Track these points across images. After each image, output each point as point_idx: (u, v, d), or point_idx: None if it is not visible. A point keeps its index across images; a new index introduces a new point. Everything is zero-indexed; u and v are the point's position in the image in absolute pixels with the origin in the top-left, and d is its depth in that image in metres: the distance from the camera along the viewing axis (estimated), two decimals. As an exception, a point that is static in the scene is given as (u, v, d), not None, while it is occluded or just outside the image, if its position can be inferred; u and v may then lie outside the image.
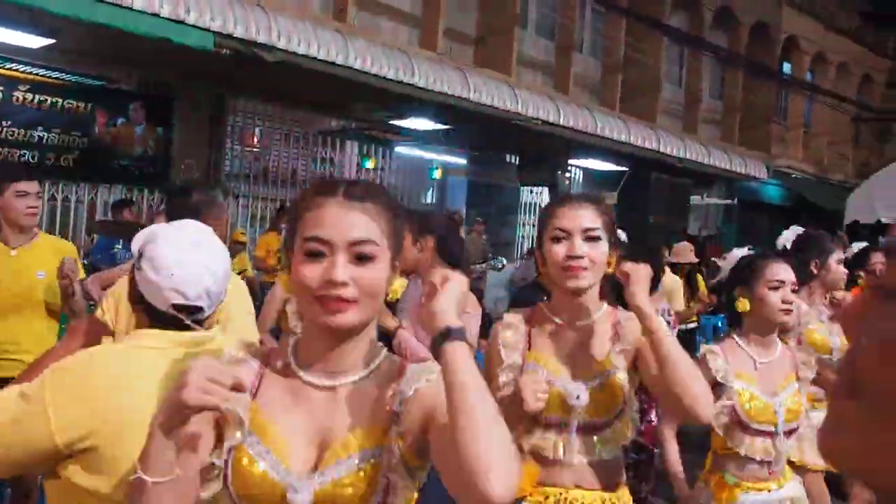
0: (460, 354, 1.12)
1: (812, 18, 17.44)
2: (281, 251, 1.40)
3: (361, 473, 1.20)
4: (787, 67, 17.35)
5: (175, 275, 1.49)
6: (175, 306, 1.51)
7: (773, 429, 2.39)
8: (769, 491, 2.38)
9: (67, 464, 1.42)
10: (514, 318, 2.01)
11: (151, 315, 1.53)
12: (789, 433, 2.42)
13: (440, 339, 1.14)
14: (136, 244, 1.60)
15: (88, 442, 1.40)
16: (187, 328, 1.53)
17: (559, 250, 1.89)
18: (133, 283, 1.57)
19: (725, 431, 2.37)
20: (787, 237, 3.62)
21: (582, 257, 1.87)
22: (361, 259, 1.20)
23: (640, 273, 1.86)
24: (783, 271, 2.47)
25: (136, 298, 1.55)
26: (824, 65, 18.34)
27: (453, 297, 1.19)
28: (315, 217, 1.21)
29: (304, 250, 1.20)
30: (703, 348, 2.49)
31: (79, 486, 1.42)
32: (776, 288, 2.45)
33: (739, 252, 2.68)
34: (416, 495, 1.26)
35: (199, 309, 1.54)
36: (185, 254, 1.52)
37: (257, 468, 1.21)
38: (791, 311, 2.47)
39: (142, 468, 1.13)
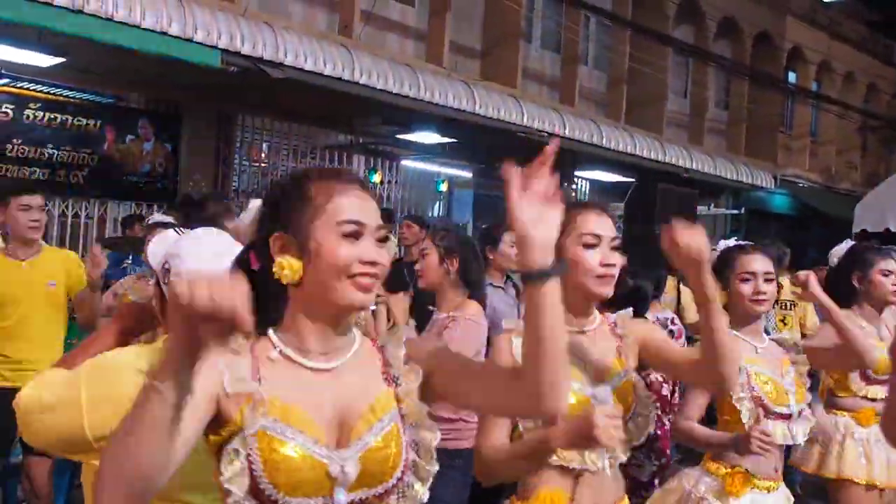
0: (555, 294, 1.23)
1: (817, 28, 17.46)
2: (279, 238, 1.29)
3: (388, 436, 1.29)
4: (792, 77, 17.36)
5: None
6: None
7: (787, 411, 2.40)
8: (769, 491, 2.38)
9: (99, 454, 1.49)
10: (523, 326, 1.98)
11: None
12: (800, 413, 2.44)
13: (541, 275, 1.23)
14: (156, 259, 1.65)
15: None
16: None
17: (593, 257, 1.84)
18: (161, 298, 1.64)
19: (750, 416, 2.36)
20: (838, 251, 3.37)
21: (615, 265, 1.86)
22: (381, 241, 1.31)
23: (696, 239, 1.76)
24: (755, 262, 2.49)
25: (164, 310, 1.61)
26: (830, 74, 18.34)
27: (552, 233, 1.26)
28: (346, 201, 1.28)
29: (342, 232, 1.26)
30: None
31: None
32: (746, 280, 2.47)
33: (725, 244, 2.68)
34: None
35: None
36: (211, 266, 1.55)
37: (294, 451, 1.22)
38: (763, 301, 2.47)
39: (152, 376, 1.05)
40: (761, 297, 2.47)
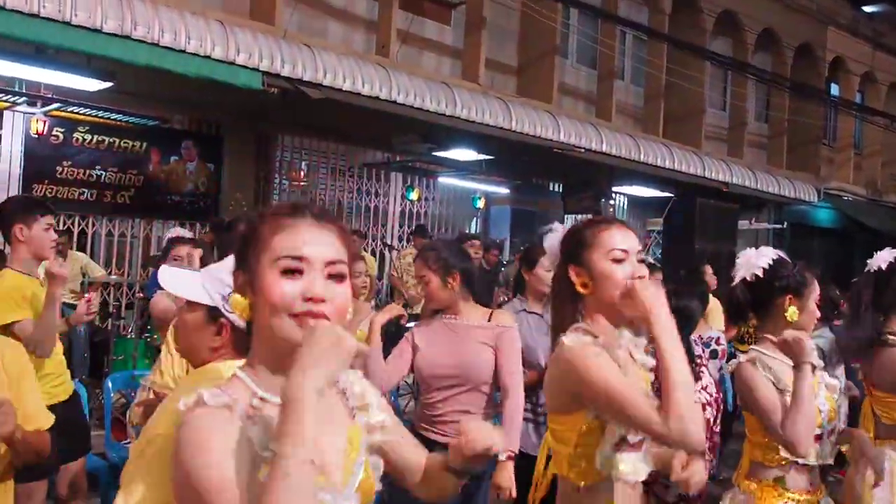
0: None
1: (859, 39, 17.16)
2: (237, 275, 1.31)
3: (367, 466, 1.33)
4: (834, 88, 17.07)
5: None
6: None
7: (819, 431, 2.36)
8: None
9: None
10: (586, 338, 1.88)
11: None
12: (830, 433, 2.40)
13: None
14: (214, 295, 1.71)
15: None
16: None
17: (623, 271, 1.86)
18: (231, 328, 1.72)
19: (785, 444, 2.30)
20: (881, 259, 3.07)
21: (644, 277, 1.87)
22: (335, 278, 1.23)
23: (655, 292, 1.80)
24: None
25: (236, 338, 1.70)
26: (874, 85, 18.00)
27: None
28: (289, 236, 1.23)
29: (280, 268, 1.21)
30: (746, 362, 2.40)
31: None
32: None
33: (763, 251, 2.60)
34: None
35: None
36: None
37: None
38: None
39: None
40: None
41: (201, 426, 1.17)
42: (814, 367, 2.28)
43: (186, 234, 4.50)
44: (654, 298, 1.78)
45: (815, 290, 2.51)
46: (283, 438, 1.06)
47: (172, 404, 1.53)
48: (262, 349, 1.26)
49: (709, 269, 7.05)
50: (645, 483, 1.91)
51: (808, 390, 2.01)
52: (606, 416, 1.80)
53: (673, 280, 4.30)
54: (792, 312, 2.44)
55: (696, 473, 1.85)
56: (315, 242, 1.24)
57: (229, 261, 1.57)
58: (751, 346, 2.50)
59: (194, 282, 1.74)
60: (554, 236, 2.08)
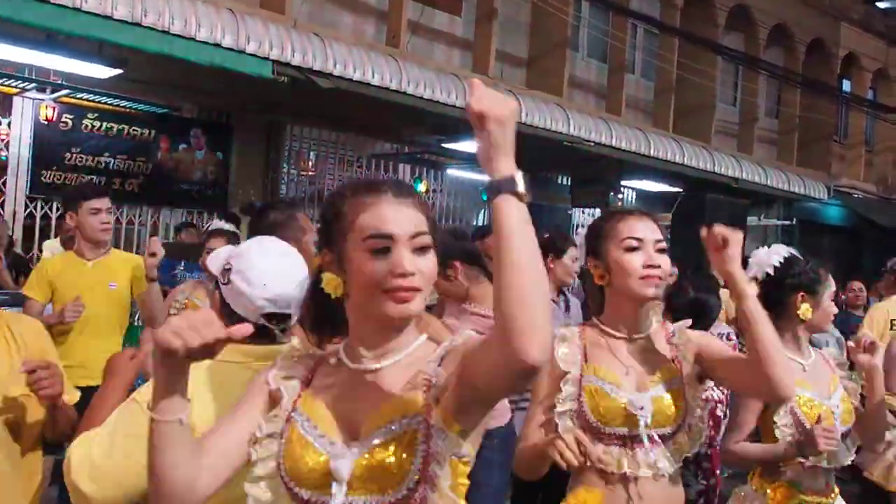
0: (511, 207, 1.10)
1: (872, 34, 17.02)
2: (319, 254, 1.33)
3: (397, 440, 1.22)
4: (846, 85, 16.95)
5: (267, 285, 1.58)
6: (266, 315, 1.58)
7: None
8: None
9: None
10: (569, 332, 1.97)
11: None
12: (844, 436, 2.36)
13: (492, 190, 1.12)
14: (217, 263, 1.67)
15: None
16: (274, 338, 1.60)
17: (636, 259, 1.87)
18: (219, 299, 1.64)
19: (794, 445, 2.29)
20: None
21: (659, 266, 1.87)
22: (421, 250, 1.26)
23: (735, 237, 1.82)
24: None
25: (225, 313, 1.61)
26: (887, 81, 17.86)
27: (509, 136, 1.15)
28: (373, 215, 1.26)
29: (369, 247, 1.25)
30: None
31: None
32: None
33: (775, 250, 2.57)
34: (467, 469, 1.26)
35: (288, 317, 1.61)
36: (276, 265, 1.61)
37: (305, 441, 1.27)
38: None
39: (150, 406, 1.18)
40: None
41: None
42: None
43: (227, 226, 4.48)
44: (736, 245, 1.81)
45: (830, 288, 2.47)
46: None
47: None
48: (359, 326, 1.32)
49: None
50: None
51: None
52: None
53: (681, 275, 4.26)
54: (805, 310, 2.41)
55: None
56: (398, 218, 1.26)
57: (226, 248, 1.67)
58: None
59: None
60: (583, 231, 2.09)
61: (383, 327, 1.29)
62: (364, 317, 1.30)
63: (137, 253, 8.05)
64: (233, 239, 3.97)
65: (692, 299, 3.46)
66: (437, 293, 3.12)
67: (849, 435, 2.39)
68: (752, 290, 1.81)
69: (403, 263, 1.23)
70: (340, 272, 1.29)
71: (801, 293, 2.44)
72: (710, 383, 2.38)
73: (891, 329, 4.76)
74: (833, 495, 2.37)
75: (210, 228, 4.28)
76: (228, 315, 1.59)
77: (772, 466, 2.36)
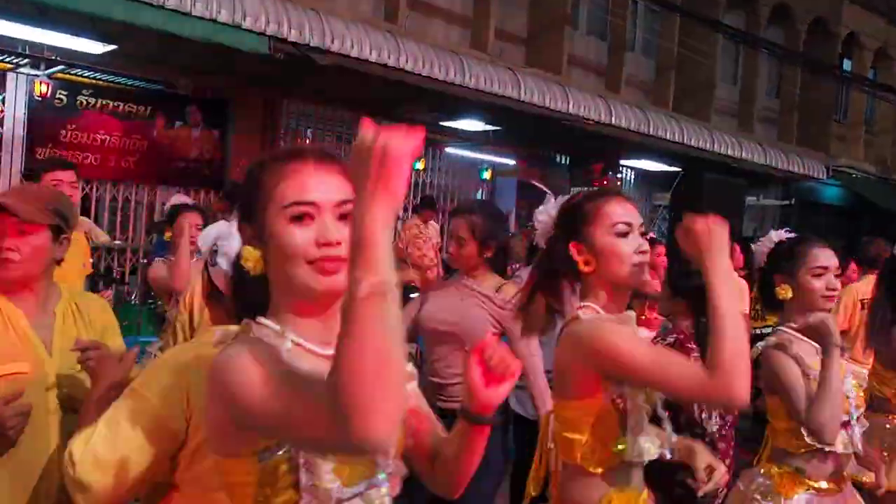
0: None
1: (874, 13, 16.89)
2: (244, 229, 1.26)
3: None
4: (847, 64, 16.84)
5: None
6: None
7: (846, 418, 2.29)
8: (828, 494, 2.31)
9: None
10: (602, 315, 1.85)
11: (226, 309, 1.56)
12: (858, 420, 2.35)
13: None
14: (208, 241, 1.64)
15: None
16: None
17: (629, 245, 1.78)
18: (208, 280, 1.61)
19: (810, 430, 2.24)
20: None
21: (647, 251, 1.80)
22: (345, 218, 1.15)
23: (717, 233, 1.65)
24: (826, 257, 2.36)
25: (211, 294, 1.58)
26: (888, 61, 17.75)
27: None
28: (294, 182, 1.19)
29: (289, 216, 1.17)
30: (774, 345, 2.32)
31: None
32: (819, 275, 2.34)
33: (776, 235, 2.54)
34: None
35: None
36: None
37: None
38: (833, 297, 2.37)
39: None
40: (832, 293, 2.36)
41: (237, 353, 1.13)
42: (842, 350, 2.23)
43: (187, 200, 4.43)
44: (717, 238, 1.64)
45: (813, 262, 2.36)
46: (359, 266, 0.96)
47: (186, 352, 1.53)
48: (283, 300, 1.21)
49: (736, 248, 6.74)
50: (652, 474, 1.86)
51: (837, 374, 1.95)
52: (636, 389, 1.71)
53: (684, 259, 4.21)
54: (782, 291, 2.37)
55: (716, 480, 1.82)
56: (321, 185, 1.19)
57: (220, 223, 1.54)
58: (776, 328, 2.44)
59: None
60: (547, 209, 1.95)
61: (320, 302, 1.18)
62: (286, 294, 1.20)
63: (133, 232, 8.18)
64: (202, 214, 3.96)
65: (698, 286, 3.42)
66: (453, 257, 3.08)
67: (861, 420, 2.37)
68: (727, 304, 1.63)
69: (327, 232, 1.16)
70: (261, 246, 1.20)
71: (776, 275, 2.42)
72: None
73: (863, 310, 4.73)
74: (844, 483, 2.34)
75: (171, 203, 4.18)
76: (215, 296, 1.56)
77: (778, 452, 2.36)
